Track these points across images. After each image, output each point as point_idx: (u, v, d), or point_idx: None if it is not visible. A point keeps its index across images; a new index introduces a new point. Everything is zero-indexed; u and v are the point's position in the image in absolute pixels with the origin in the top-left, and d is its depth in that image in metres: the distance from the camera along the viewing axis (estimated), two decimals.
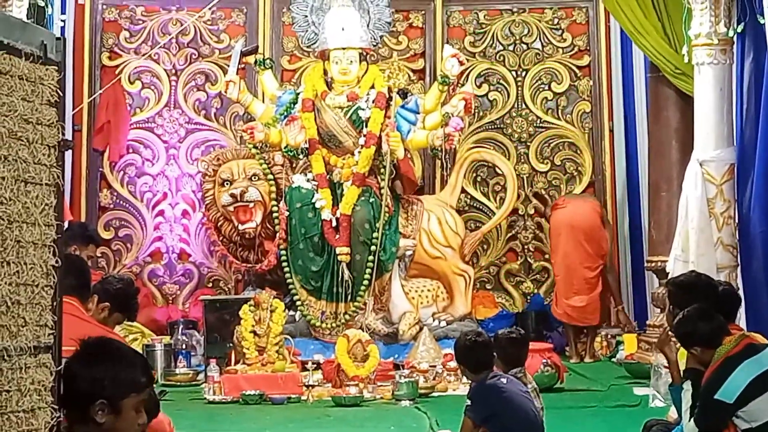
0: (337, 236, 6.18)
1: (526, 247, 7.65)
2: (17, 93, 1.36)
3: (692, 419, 2.61)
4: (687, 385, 2.70)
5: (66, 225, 4.14)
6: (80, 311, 2.34)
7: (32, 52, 1.39)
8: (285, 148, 6.50)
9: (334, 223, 6.19)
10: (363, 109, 6.40)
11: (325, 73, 6.61)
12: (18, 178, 1.35)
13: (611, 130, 7.46)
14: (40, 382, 1.41)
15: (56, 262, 1.43)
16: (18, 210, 1.34)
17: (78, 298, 2.34)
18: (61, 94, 1.47)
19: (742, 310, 3.60)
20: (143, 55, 7.24)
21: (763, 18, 4.10)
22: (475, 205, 7.55)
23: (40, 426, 1.39)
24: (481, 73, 7.69)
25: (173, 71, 7.42)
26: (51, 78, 1.46)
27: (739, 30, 4.46)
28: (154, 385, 2.56)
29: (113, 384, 1.44)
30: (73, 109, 6.65)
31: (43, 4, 4.67)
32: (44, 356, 1.42)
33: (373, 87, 6.50)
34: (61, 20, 6.07)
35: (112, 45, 7.33)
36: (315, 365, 5.32)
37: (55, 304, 1.45)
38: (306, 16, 6.69)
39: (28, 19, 4.10)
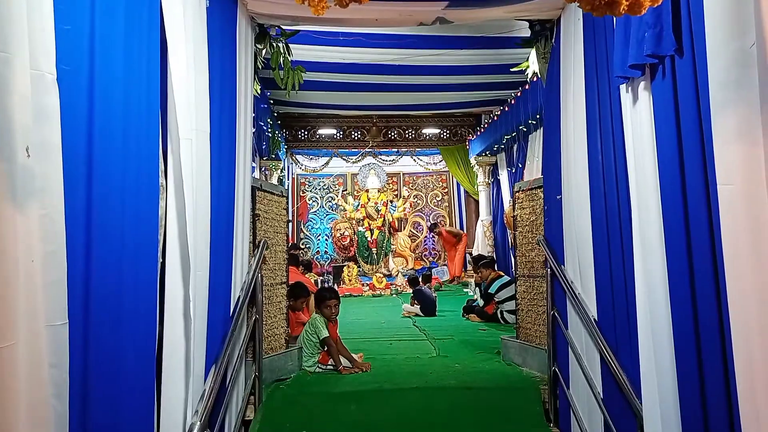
0: None
1: None
2: (275, 204, 4.52)
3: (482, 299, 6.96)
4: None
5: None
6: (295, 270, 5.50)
7: (280, 192, 4.57)
8: None
9: None
10: None
11: None
12: (276, 231, 4.49)
13: None
14: (282, 294, 4.47)
15: (285, 258, 4.55)
16: (276, 240, 4.47)
17: (295, 266, 5.51)
18: (287, 209, 4.64)
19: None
20: None
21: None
22: None
23: (282, 313, 4.43)
24: None
25: None
26: (284, 202, 4.62)
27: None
28: None
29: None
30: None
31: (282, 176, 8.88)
32: (282, 286, 4.49)
33: None
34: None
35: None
36: None
37: (286, 273, 4.54)
38: None
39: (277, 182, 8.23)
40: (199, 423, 2.41)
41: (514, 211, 5.01)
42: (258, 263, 3.75)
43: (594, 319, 3.31)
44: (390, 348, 5.69)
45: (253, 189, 4.05)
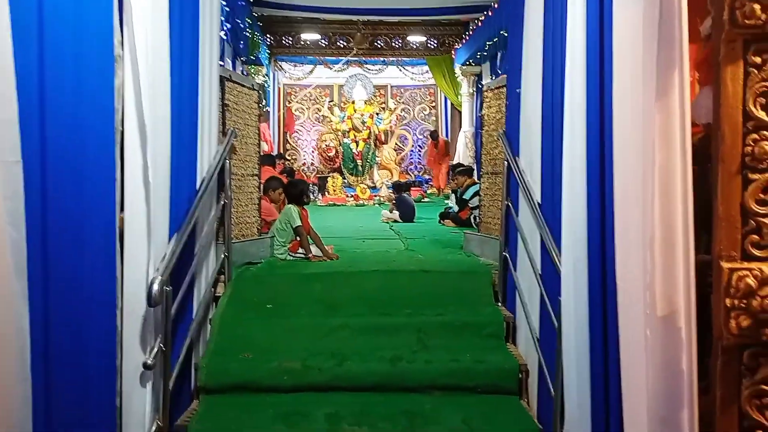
0: None
1: None
2: (246, 97, 4.61)
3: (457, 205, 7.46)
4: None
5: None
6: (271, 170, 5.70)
7: (251, 85, 4.65)
8: None
9: None
10: None
11: None
12: (247, 124, 4.62)
13: None
14: (254, 186, 4.66)
15: (258, 158, 4.70)
16: (246, 132, 4.60)
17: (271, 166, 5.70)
18: (258, 103, 4.73)
19: None
20: None
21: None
22: None
23: (254, 203, 4.63)
24: None
25: None
26: (255, 95, 4.71)
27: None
28: None
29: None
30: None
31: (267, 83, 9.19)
32: (254, 178, 4.67)
33: None
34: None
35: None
36: None
37: (258, 164, 4.71)
38: None
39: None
40: (159, 278, 2.64)
41: (482, 110, 5.13)
42: (225, 149, 3.90)
43: (538, 203, 3.52)
44: (362, 245, 5.97)
45: (222, 79, 4.14)
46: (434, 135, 12.58)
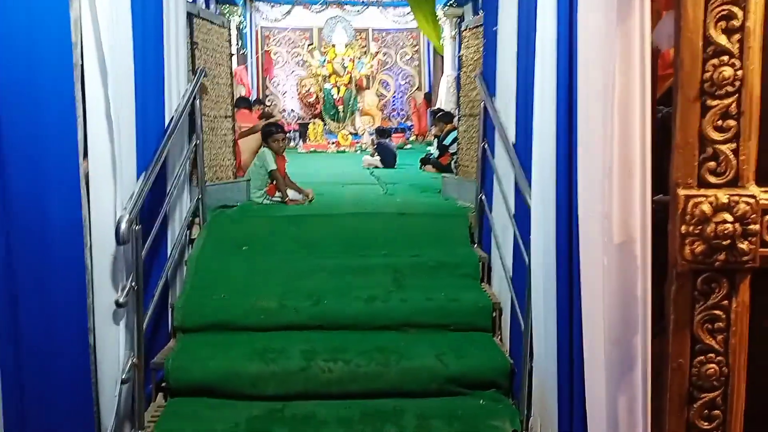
0: None
1: None
2: (216, 35, 4.48)
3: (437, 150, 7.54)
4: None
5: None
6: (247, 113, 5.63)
7: (221, 23, 4.51)
8: None
9: None
10: None
11: None
12: (219, 63, 4.49)
13: None
14: (227, 128, 4.58)
15: (231, 99, 4.61)
16: (218, 72, 4.49)
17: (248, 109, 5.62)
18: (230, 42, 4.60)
19: None
20: None
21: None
22: None
23: (228, 146, 4.56)
24: None
25: None
26: (225, 33, 4.57)
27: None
28: None
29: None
30: None
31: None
32: (228, 120, 4.59)
33: None
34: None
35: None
36: None
37: (232, 107, 4.61)
38: None
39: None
40: (127, 216, 2.61)
41: (460, 51, 5.04)
42: (194, 88, 3.81)
43: (513, 144, 3.51)
44: (341, 189, 5.96)
45: (190, 15, 4.00)
46: (428, 97, 12.48)
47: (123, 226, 2.55)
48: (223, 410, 2.88)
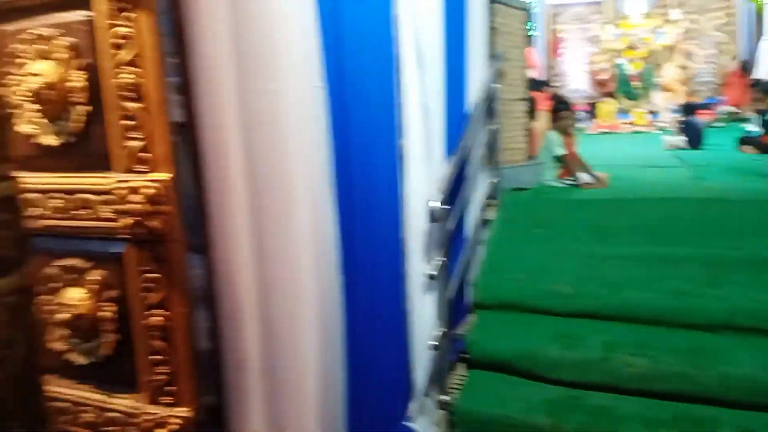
0: None
1: None
2: (514, 18, 4.49)
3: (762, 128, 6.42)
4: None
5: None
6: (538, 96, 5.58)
7: (520, 5, 4.51)
8: None
9: None
10: None
11: None
12: (515, 46, 4.51)
13: None
14: (521, 111, 4.58)
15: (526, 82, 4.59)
16: (513, 55, 4.50)
17: (539, 91, 5.57)
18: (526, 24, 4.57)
19: None
20: None
21: None
22: None
23: (521, 128, 4.57)
24: None
25: None
26: (523, 16, 4.55)
27: None
28: None
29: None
30: None
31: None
32: (521, 102, 4.59)
33: None
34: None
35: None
36: None
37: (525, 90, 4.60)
38: None
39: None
40: (441, 196, 2.81)
41: None
42: (493, 75, 3.89)
43: None
44: (640, 172, 5.52)
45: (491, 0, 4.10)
46: (745, 65, 10.74)
47: (437, 205, 2.74)
48: (519, 388, 2.92)
